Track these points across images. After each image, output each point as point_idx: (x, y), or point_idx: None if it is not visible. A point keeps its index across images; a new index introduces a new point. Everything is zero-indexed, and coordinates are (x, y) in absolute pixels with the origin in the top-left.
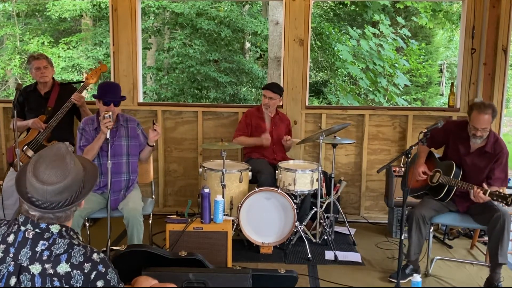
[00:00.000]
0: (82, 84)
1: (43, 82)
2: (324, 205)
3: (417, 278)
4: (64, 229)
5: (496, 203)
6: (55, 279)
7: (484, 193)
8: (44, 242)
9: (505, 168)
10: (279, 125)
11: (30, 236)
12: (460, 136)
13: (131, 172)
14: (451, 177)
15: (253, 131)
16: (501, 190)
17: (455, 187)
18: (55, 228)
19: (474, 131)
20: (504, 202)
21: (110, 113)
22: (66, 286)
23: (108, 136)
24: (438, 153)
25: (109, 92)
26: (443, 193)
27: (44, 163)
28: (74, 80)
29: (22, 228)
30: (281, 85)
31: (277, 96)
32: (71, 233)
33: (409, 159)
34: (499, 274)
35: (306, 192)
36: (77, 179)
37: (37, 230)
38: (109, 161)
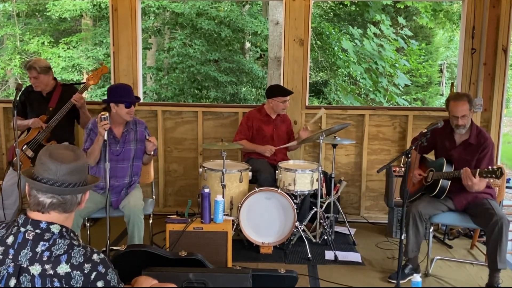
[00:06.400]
0: (83, 85)
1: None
2: (324, 205)
3: (417, 278)
4: (64, 229)
5: (488, 180)
6: (55, 279)
7: (474, 175)
8: (45, 243)
9: (491, 158)
10: (280, 126)
11: (31, 237)
12: (444, 133)
13: (133, 175)
14: (443, 171)
15: (255, 133)
16: (489, 167)
17: (449, 180)
18: (55, 228)
19: (455, 121)
20: (494, 175)
21: (107, 114)
22: (66, 286)
23: (105, 137)
24: (430, 157)
25: (126, 94)
26: (438, 189)
27: (58, 148)
28: (74, 80)
29: (22, 229)
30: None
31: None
32: (71, 234)
33: (409, 159)
34: (498, 277)
35: (306, 192)
36: (85, 167)
37: (37, 230)
38: (107, 163)
